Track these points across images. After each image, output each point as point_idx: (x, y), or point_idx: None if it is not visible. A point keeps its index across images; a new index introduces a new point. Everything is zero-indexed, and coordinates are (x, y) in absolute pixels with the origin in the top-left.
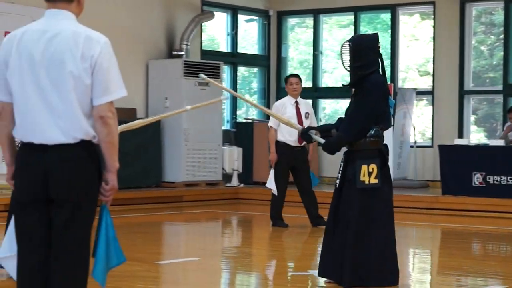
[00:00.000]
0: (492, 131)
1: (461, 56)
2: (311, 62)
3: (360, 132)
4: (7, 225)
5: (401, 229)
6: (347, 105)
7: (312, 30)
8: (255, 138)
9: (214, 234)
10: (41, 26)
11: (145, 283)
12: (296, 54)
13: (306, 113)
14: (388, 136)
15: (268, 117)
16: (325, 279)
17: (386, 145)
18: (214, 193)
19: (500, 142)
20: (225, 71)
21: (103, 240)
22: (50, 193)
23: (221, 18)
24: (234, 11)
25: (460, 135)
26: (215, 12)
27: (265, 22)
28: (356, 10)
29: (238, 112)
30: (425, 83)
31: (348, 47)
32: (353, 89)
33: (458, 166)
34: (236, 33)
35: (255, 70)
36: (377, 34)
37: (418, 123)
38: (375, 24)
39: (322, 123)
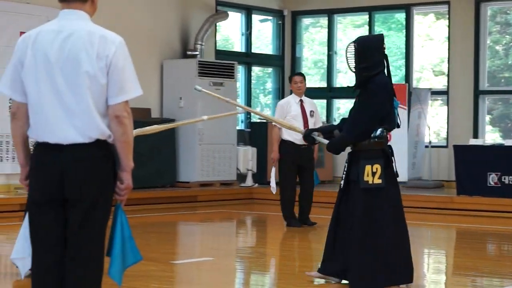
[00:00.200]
0: (507, 131)
1: (476, 56)
2: (326, 62)
3: (363, 133)
4: None
5: (415, 229)
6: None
7: (326, 30)
8: (269, 138)
9: (228, 234)
10: (55, 26)
11: (160, 282)
12: (310, 54)
13: (311, 111)
14: (403, 136)
15: None
16: (331, 278)
17: (390, 146)
18: (228, 193)
19: None
20: (240, 71)
21: (118, 239)
22: (66, 192)
23: (235, 18)
24: (248, 11)
25: (475, 135)
26: (229, 12)
27: (279, 22)
28: (371, 10)
29: None
30: (440, 83)
31: (353, 48)
32: (358, 90)
33: (473, 166)
34: (250, 33)
35: (269, 70)
36: (382, 35)
37: (433, 123)
38: (390, 24)
39: (336, 123)
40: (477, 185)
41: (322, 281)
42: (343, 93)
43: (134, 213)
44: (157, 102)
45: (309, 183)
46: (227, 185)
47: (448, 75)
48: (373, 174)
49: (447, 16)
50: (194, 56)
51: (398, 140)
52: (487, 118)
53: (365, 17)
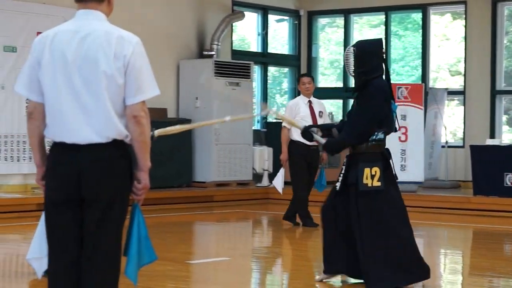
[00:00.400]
0: None
1: (492, 55)
2: (342, 62)
3: (362, 135)
4: None
5: (432, 229)
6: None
7: (342, 30)
8: None
9: (244, 234)
10: (72, 26)
11: (176, 282)
12: (326, 54)
13: (320, 112)
14: (420, 136)
15: None
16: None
17: (387, 149)
18: (244, 193)
19: None
20: (256, 71)
21: (135, 239)
22: (82, 192)
23: (251, 18)
24: (264, 11)
25: (492, 135)
26: (245, 12)
27: (296, 22)
28: (387, 10)
29: None
30: (457, 83)
31: (352, 52)
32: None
33: (490, 167)
34: (266, 33)
35: (286, 70)
36: (381, 39)
37: (449, 123)
38: (406, 24)
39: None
40: (493, 185)
41: (338, 280)
42: None
43: (151, 213)
44: (173, 102)
45: (311, 182)
46: (243, 185)
47: (464, 75)
48: (372, 177)
49: (464, 16)
50: (210, 56)
51: (414, 140)
52: (504, 118)
53: (381, 17)
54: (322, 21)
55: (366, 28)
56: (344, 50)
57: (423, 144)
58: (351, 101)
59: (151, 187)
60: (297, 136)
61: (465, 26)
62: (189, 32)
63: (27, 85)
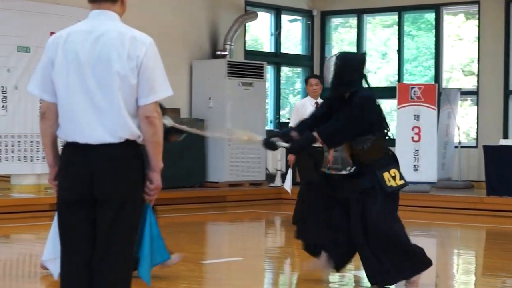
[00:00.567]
0: None
1: (506, 55)
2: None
3: (340, 143)
4: None
5: (445, 229)
6: (353, 107)
7: (355, 30)
8: None
9: (257, 234)
10: (86, 26)
11: (189, 282)
12: None
13: None
14: (433, 137)
15: None
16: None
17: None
18: (257, 193)
19: None
20: (269, 71)
21: (147, 239)
22: (95, 192)
23: (264, 18)
24: (277, 11)
25: (505, 136)
26: (258, 12)
27: (309, 22)
28: (400, 10)
29: (281, 112)
30: (470, 83)
31: (334, 62)
32: (342, 97)
33: (503, 167)
34: (279, 33)
35: (299, 70)
36: (364, 55)
37: (463, 124)
38: (419, 24)
39: None
40: (507, 186)
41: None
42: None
43: (163, 213)
44: (186, 102)
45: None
46: (256, 185)
47: (478, 75)
48: (393, 178)
49: (477, 16)
50: (223, 57)
51: (427, 140)
52: None
53: (394, 17)
54: (335, 21)
55: (379, 28)
56: (357, 50)
57: (436, 144)
58: None
59: (163, 187)
60: None
61: (478, 26)
62: (202, 32)
63: (40, 85)
